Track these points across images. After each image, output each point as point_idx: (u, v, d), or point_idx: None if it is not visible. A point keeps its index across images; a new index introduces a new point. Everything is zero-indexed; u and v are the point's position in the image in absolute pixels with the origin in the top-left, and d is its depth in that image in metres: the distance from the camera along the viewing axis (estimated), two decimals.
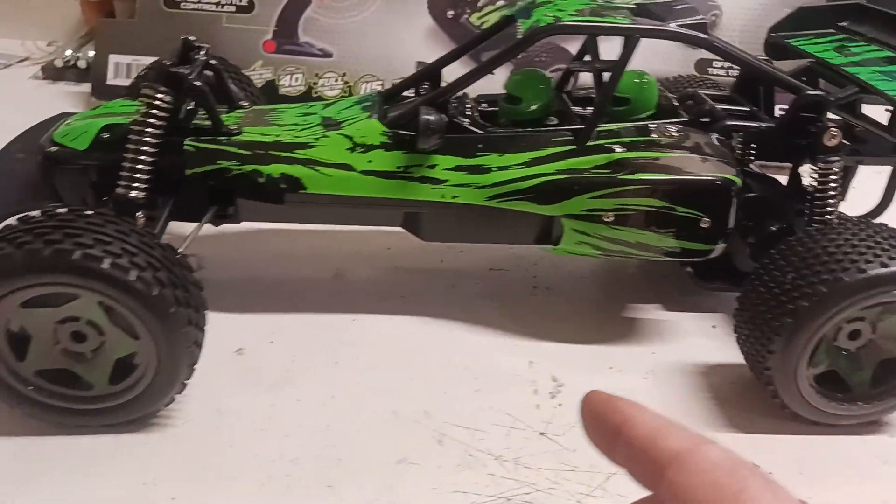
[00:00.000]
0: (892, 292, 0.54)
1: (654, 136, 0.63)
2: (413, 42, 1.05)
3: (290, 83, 1.06)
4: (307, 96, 1.05)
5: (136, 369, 0.52)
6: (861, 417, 0.61)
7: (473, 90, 0.67)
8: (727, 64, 1.06)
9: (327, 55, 1.06)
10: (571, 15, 0.61)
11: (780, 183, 0.73)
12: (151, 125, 0.58)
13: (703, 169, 0.61)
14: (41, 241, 0.47)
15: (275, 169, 0.62)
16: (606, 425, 0.30)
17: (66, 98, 1.11)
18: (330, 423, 0.58)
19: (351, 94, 1.04)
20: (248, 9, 1.05)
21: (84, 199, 0.63)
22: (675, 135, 0.63)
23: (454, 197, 0.63)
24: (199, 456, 0.55)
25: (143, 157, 0.58)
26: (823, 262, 0.55)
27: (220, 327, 0.61)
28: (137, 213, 0.57)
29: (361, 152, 0.62)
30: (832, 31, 0.77)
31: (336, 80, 1.05)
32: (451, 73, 0.68)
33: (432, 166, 0.63)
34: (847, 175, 0.69)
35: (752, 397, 0.63)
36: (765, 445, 0.59)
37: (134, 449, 0.55)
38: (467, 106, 0.66)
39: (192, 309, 0.52)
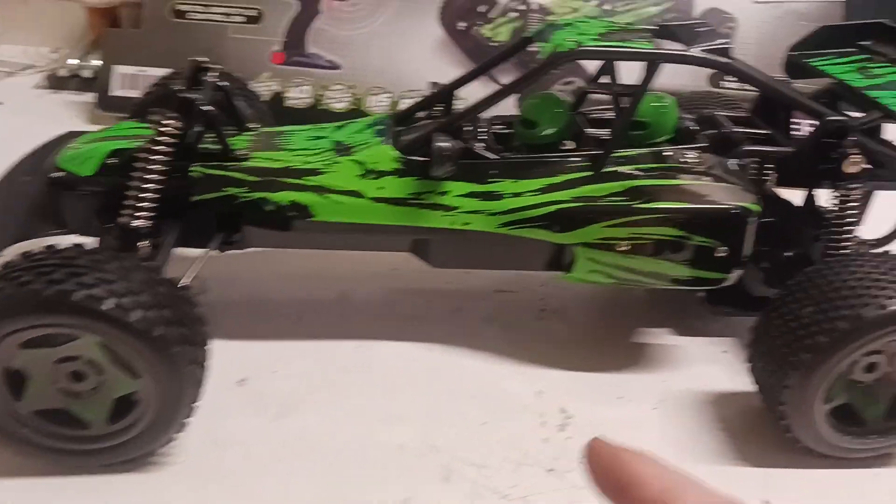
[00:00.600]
0: None
1: (671, 162, 0.62)
2: (423, 54, 1.04)
3: (298, 95, 1.04)
4: (314, 109, 1.04)
5: (136, 408, 0.51)
6: (875, 450, 0.59)
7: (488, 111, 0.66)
8: None
9: (335, 67, 1.04)
10: (594, 39, 0.60)
11: (794, 206, 0.72)
12: (159, 153, 0.57)
13: (721, 196, 0.60)
14: (43, 281, 0.46)
15: (284, 196, 0.61)
16: (611, 482, 0.29)
17: (70, 108, 1.10)
18: (335, 459, 0.57)
19: (359, 107, 1.03)
20: (256, 20, 1.04)
21: (89, 225, 0.62)
22: (693, 161, 0.62)
23: (465, 224, 0.62)
24: (198, 494, 0.54)
25: (149, 186, 0.57)
26: (844, 296, 0.54)
27: (223, 355, 0.59)
28: (142, 242, 0.56)
29: (373, 179, 0.61)
30: (854, 50, 0.75)
31: (344, 93, 1.04)
32: (466, 93, 0.68)
33: (444, 193, 0.61)
34: (865, 201, 0.68)
35: (762, 429, 0.62)
36: (775, 480, 0.58)
37: (131, 488, 0.54)
38: (481, 129, 0.65)
39: (194, 346, 0.51)
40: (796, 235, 0.69)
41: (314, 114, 1.02)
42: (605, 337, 0.73)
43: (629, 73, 0.63)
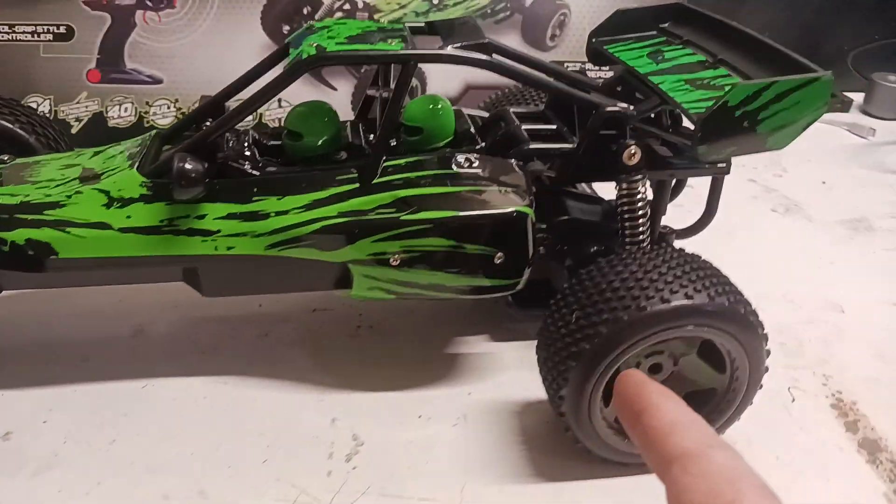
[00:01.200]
0: (683, 327, 0.51)
1: (442, 168, 0.58)
2: (248, 61, 0.96)
3: (120, 114, 0.98)
4: (139, 126, 0.98)
5: None
6: None
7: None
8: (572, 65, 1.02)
9: (157, 81, 0.99)
10: (339, 43, 0.56)
11: (605, 202, 0.70)
12: None
13: (491, 202, 0.57)
14: None
15: (18, 235, 0.55)
16: (630, 409, 0.32)
17: None
18: None
19: None
20: (67, 36, 0.98)
21: None
22: (466, 166, 0.59)
23: (229, 248, 0.57)
24: None
25: None
26: (607, 299, 0.51)
27: None
28: None
29: (119, 207, 0.56)
30: (654, 33, 0.73)
31: (169, 108, 0.99)
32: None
33: (201, 216, 0.57)
34: (663, 190, 0.66)
35: (563, 439, 0.59)
36: (569, 494, 0.55)
37: None
38: (245, 143, 0.61)
39: None
40: (599, 231, 0.67)
41: (141, 132, 0.96)
42: (419, 350, 0.69)
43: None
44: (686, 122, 0.60)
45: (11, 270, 0.57)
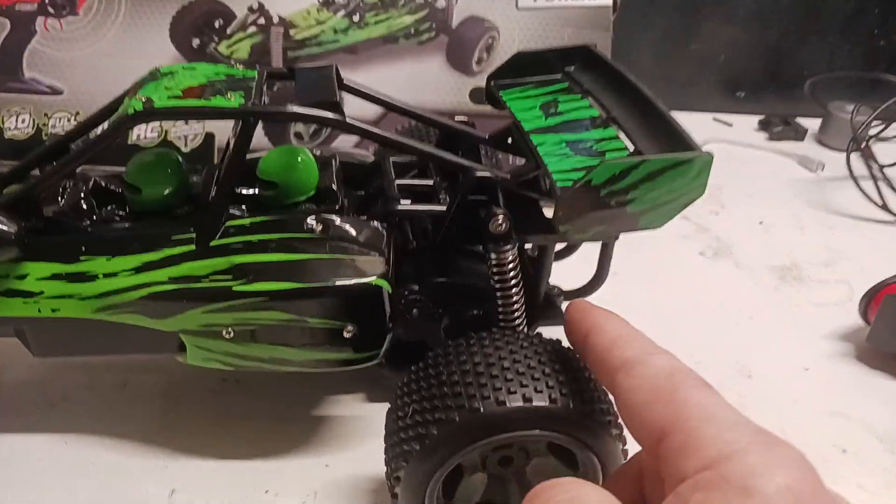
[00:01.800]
0: (525, 432, 0.46)
1: (290, 231, 0.53)
2: None
3: (17, 125, 0.93)
4: (37, 139, 0.93)
5: None
6: None
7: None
8: None
9: (57, 92, 0.93)
10: (173, 97, 0.51)
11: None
12: None
13: (340, 272, 0.52)
14: None
15: None
16: (578, 331, 0.38)
17: None
18: None
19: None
20: None
21: None
22: (319, 230, 0.54)
23: (54, 310, 0.53)
24: None
25: None
26: (442, 394, 0.46)
27: None
28: None
29: None
30: (558, 77, 0.68)
31: (69, 120, 0.93)
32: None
33: (22, 276, 0.52)
34: (545, 253, 0.61)
35: None
36: None
37: None
38: (82, 193, 0.56)
39: None
40: (480, 293, 0.62)
41: (39, 145, 0.91)
42: (282, 410, 0.65)
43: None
44: None
45: None
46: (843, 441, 0.65)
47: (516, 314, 0.58)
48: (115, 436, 0.61)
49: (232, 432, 0.62)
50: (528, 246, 0.66)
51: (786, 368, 0.74)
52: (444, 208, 0.57)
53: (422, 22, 0.94)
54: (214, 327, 0.52)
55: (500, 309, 0.57)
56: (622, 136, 0.57)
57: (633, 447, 0.45)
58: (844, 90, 1.25)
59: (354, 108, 0.55)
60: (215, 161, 0.89)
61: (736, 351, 0.76)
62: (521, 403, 0.45)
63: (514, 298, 0.57)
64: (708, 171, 0.50)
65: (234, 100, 0.50)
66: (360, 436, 0.63)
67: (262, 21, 0.93)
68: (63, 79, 0.93)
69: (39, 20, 0.92)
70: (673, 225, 0.91)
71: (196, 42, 0.93)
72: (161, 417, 0.63)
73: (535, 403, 0.45)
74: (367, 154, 0.68)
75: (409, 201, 0.58)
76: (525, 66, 0.67)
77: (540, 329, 0.59)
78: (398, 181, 0.60)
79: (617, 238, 0.61)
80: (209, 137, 0.93)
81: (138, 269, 0.52)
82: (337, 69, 0.57)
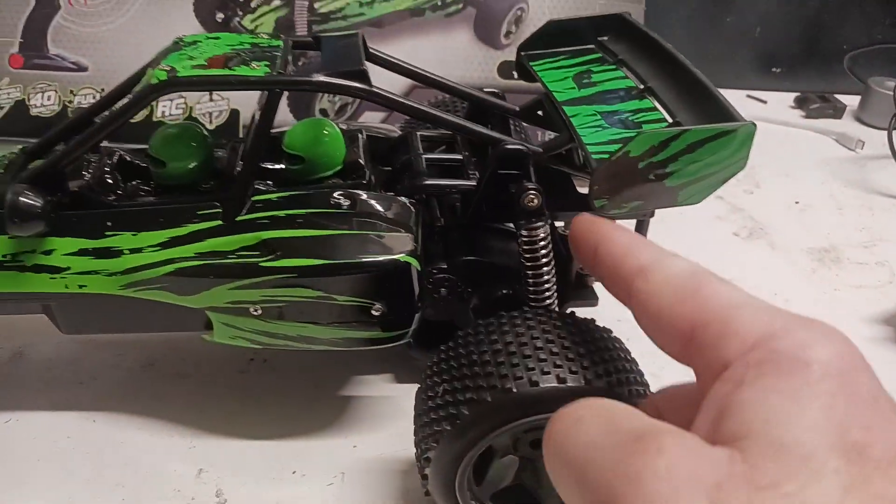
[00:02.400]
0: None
1: (317, 207, 0.52)
2: None
3: (43, 102, 0.93)
4: (63, 116, 0.93)
5: None
6: None
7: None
8: None
9: (82, 69, 0.92)
10: (197, 66, 0.49)
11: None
12: None
13: (368, 249, 0.51)
14: None
15: None
16: (586, 245, 0.35)
17: None
18: None
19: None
20: None
21: None
22: (345, 203, 0.52)
23: (81, 287, 0.52)
24: None
25: None
26: (474, 374, 0.45)
27: None
28: None
29: None
30: (591, 48, 0.65)
31: (94, 97, 0.93)
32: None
33: (49, 252, 0.52)
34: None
35: None
36: None
37: None
38: (107, 168, 0.55)
39: None
40: (508, 272, 0.60)
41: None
42: (311, 391, 0.64)
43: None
44: None
45: None
46: None
47: (547, 293, 0.56)
48: (143, 415, 0.61)
49: (259, 412, 0.62)
50: (558, 224, 0.64)
51: None
52: (473, 183, 0.55)
53: None
54: (242, 304, 0.51)
55: (531, 288, 0.56)
56: (659, 107, 0.55)
57: None
58: (885, 65, 1.21)
59: (381, 82, 0.53)
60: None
61: None
62: (555, 384, 0.43)
63: (546, 277, 0.55)
64: (750, 142, 0.48)
65: (259, 69, 0.49)
66: (389, 417, 0.62)
67: None
68: (88, 55, 0.92)
69: None
70: (707, 205, 0.88)
71: (220, 16, 0.92)
72: (188, 397, 0.63)
73: (569, 384, 0.43)
74: (394, 129, 0.67)
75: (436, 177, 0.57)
76: (556, 36, 0.65)
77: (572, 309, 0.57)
78: (426, 156, 0.58)
79: (653, 215, 0.59)
80: (234, 114, 0.92)
81: (164, 245, 0.52)
82: (363, 38, 0.56)
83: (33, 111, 0.93)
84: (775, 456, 0.24)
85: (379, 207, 0.53)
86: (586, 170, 0.56)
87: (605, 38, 0.65)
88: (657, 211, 0.62)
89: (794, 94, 1.24)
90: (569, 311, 0.54)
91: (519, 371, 0.44)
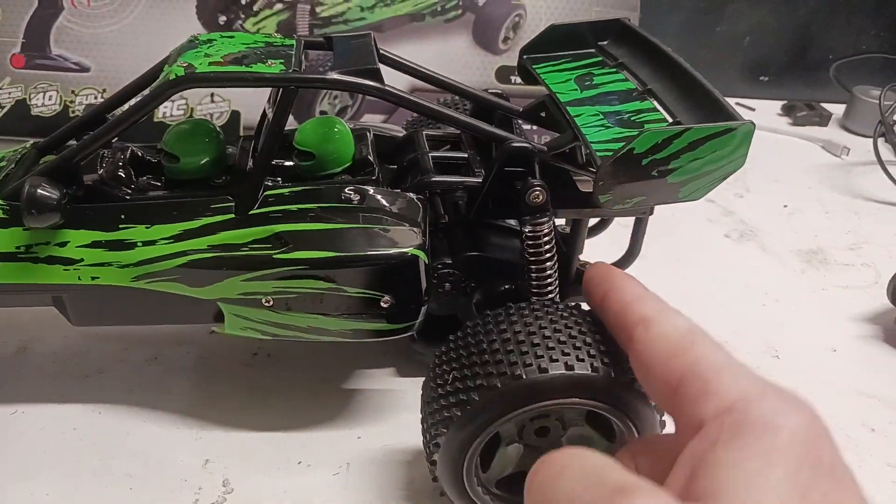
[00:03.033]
0: (565, 400, 0.46)
1: (328, 201, 0.53)
2: None
3: (44, 102, 0.93)
4: (64, 116, 0.93)
5: None
6: None
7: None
8: None
9: (84, 69, 0.93)
10: (214, 63, 0.51)
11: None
12: None
13: (378, 242, 0.52)
14: None
15: None
16: (598, 290, 0.40)
17: None
18: None
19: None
20: None
21: None
22: (356, 199, 0.54)
23: (94, 278, 0.53)
24: None
25: None
26: (484, 362, 0.47)
27: None
28: None
29: None
30: (592, 52, 0.67)
31: (96, 98, 0.93)
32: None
33: (63, 244, 0.52)
34: (578, 228, 0.61)
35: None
36: None
37: None
38: (120, 162, 0.56)
39: None
40: (511, 268, 0.62)
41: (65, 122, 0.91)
42: (314, 384, 0.65)
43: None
44: None
45: None
46: (871, 420, 0.65)
47: (549, 287, 0.58)
48: (149, 407, 0.62)
49: (264, 404, 0.62)
50: (558, 222, 0.66)
51: (813, 349, 0.74)
52: (479, 180, 0.57)
53: (448, 0, 0.94)
54: (254, 295, 0.52)
55: (534, 282, 0.57)
56: (660, 108, 0.57)
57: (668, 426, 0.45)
58: (870, 75, 1.24)
59: (388, 81, 0.54)
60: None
61: (763, 332, 0.76)
62: (563, 371, 0.45)
63: (549, 272, 0.57)
64: (749, 140, 0.50)
65: (274, 66, 0.51)
66: (392, 409, 0.63)
67: None
68: (90, 55, 0.93)
69: None
70: (699, 207, 0.91)
71: (222, 19, 0.93)
72: (194, 390, 0.64)
73: (576, 372, 0.45)
74: (398, 129, 0.68)
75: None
76: (557, 40, 0.67)
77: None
78: (432, 154, 0.60)
79: (652, 213, 0.60)
80: (235, 115, 0.93)
81: (177, 238, 0.53)
82: (374, 39, 0.57)
83: (34, 111, 0.94)
84: None
85: (388, 203, 0.54)
86: (589, 168, 0.58)
87: (606, 42, 0.67)
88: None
89: (781, 102, 1.28)
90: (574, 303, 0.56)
91: (528, 358, 0.45)
